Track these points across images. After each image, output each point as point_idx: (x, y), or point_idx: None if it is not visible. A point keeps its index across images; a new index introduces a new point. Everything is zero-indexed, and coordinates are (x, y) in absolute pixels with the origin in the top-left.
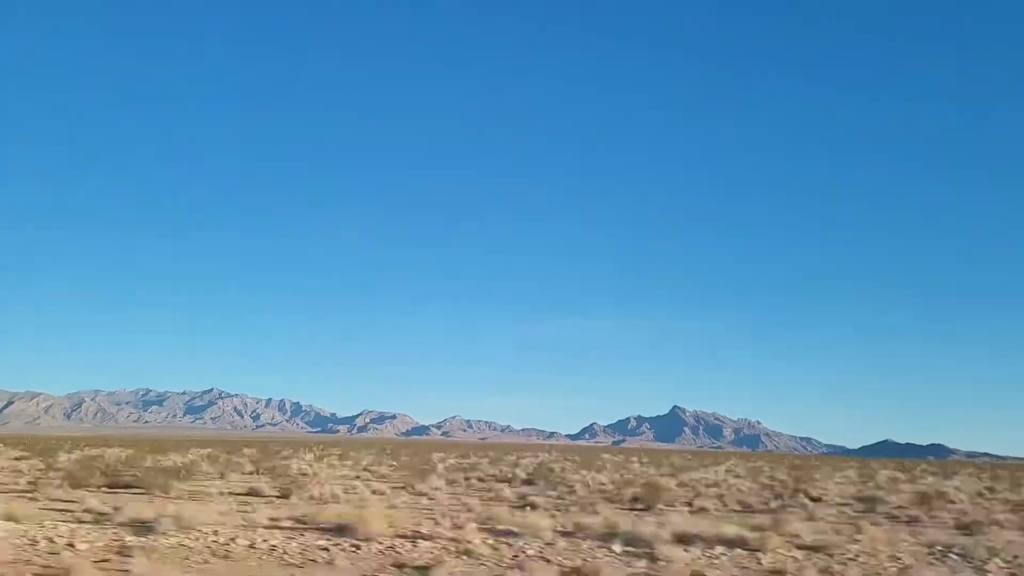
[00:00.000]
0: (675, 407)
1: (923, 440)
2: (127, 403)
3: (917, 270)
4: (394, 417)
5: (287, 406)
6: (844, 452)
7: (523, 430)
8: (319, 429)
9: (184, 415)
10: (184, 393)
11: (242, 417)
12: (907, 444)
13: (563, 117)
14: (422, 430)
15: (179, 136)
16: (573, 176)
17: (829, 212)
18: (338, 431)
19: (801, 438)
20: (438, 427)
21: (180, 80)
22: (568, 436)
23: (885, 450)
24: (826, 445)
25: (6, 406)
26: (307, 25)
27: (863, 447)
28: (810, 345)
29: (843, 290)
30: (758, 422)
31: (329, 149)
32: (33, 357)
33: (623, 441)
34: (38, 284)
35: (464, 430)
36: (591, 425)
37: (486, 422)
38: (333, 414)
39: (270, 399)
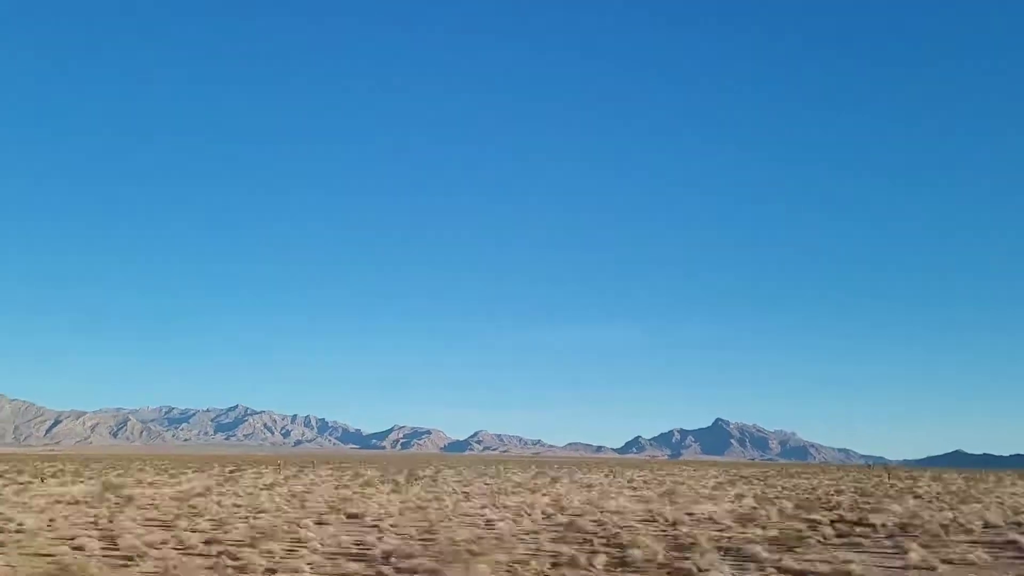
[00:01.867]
0: (718, 419)
1: (1003, 451)
2: (152, 420)
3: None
4: (429, 432)
5: (313, 422)
6: (883, 462)
7: (570, 444)
8: (358, 446)
9: (215, 432)
10: (208, 410)
11: (272, 434)
12: (983, 455)
13: (597, 114)
14: (463, 445)
15: (218, 165)
16: (597, 180)
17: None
18: (383, 447)
19: (839, 449)
20: (469, 442)
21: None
22: (615, 450)
23: (957, 460)
24: (863, 456)
25: (54, 425)
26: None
27: (928, 458)
28: (847, 355)
29: (885, 300)
30: (794, 433)
31: (351, 170)
32: (61, 375)
33: (679, 455)
34: (54, 304)
35: (495, 447)
36: (636, 439)
37: (516, 437)
38: (358, 430)
39: (295, 415)
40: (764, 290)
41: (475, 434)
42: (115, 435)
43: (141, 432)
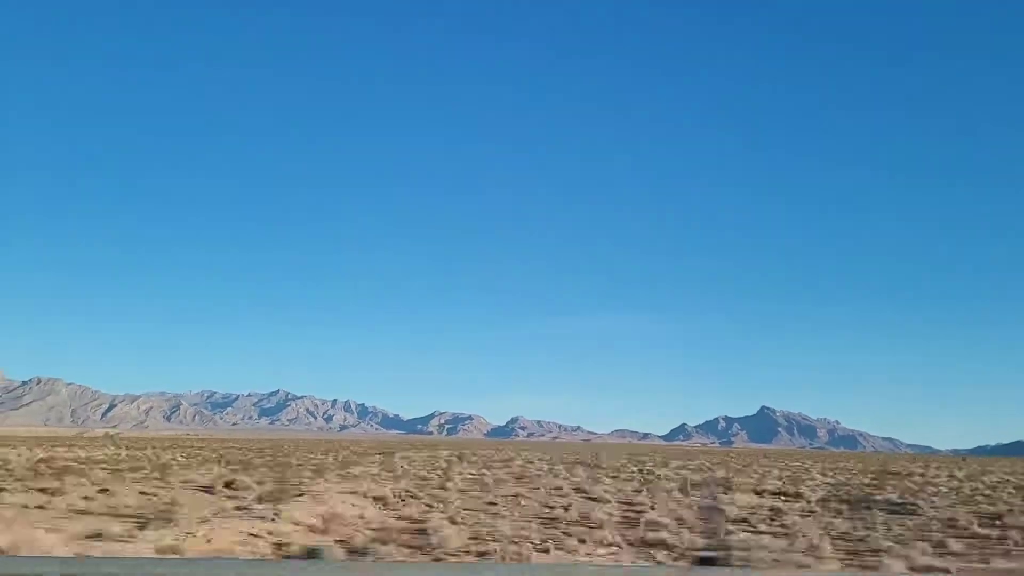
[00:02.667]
0: (764, 407)
1: None
2: (195, 404)
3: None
4: (471, 418)
5: (353, 407)
6: (931, 452)
7: (616, 431)
8: (402, 431)
9: (259, 417)
10: (250, 395)
11: (315, 419)
12: None
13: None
14: (507, 431)
15: (265, 164)
16: (635, 171)
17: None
18: (430, 432)
19: (884, 438)
20: (508, 428)
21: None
22: (661, 437)
23: (1018, 450)
24: (909, 445)
25: (109, 409)
26: None
27: (998, 446)
28: (891, 344)
29: (940, 298)
30: (837, 422)
31: (392, 163)
32: (108, 360)
33: (730, 442)
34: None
35: (536, 432)
36: (682, 426)
37: (555, 423)
38: (397, 415)
39: (335, 400)
40: (806, 281)
41: (514, 420)
42: (168, 419)
43: (193, 416)
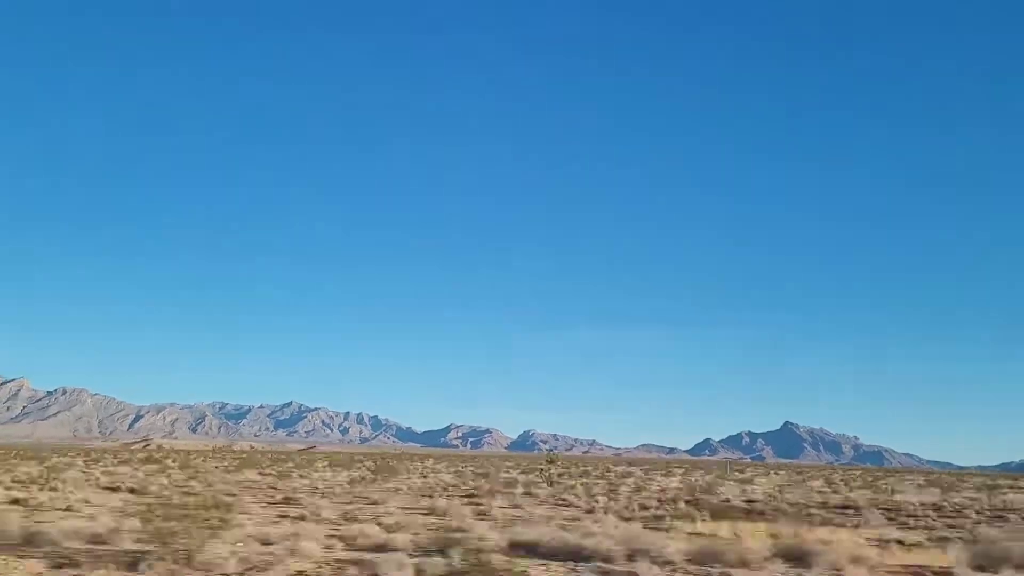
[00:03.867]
0: (787, 422)
1: None
2: (207, 415)
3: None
4: (488, 431)
5: (366, 419)
6: (951, 468)
7: (642, 445)
8: (421, 444)
9: (274, 428)
10: (263, 406)
11: (331, 430)
12: None
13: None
14: (527, 444)
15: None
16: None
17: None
18: (454, 444)
19: (904, 453)
20: (527, 441)
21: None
22: (687, 451)
23: None
24: (930, 461)
25: (135, 420)
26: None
27: (1003, 464)
28: (911, 360)
29: (959, 309)
30: (856, 437)
31: (406, 175)
32: (125, 371)
33: (761, 457)
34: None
35: (552, 446)
36: (706, 440)
37: (570, 436)
38: (409, 428)
39: (347, 412)
40: (825, 295)
41: (527, 433)
42: (193, 430)
43: (219, 428)
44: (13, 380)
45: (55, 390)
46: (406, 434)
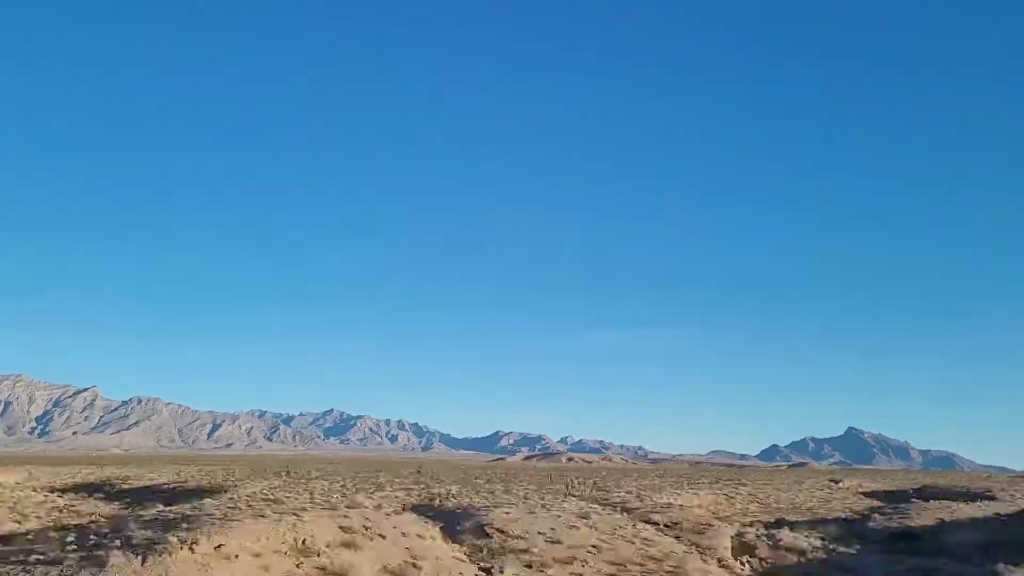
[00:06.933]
0: (851, 428)
1: None
2: (250, 425)
3: None
4: (540, 439)
5: (407, 426)
6: (1004, 471)
7: (713, 452)
8: (474, 450)
9: (325, 438)
10: (303, 414)
11: (381, 439)
12: None
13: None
14: (596, 450)
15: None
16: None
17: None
18: (519, 454)
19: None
20: (600, 448)
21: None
22: (756, 457)
23: None
24: (982, 465)
25: (213, 429)
26: None
27: None
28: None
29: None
30: (907, 442)
31: (447, 177)
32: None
33: (801, 465)
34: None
35: (602, 453)
36: (773, 446)
37: (615, 443)
38: (448, 434)
39: (388, 419)
40: (875, 305)
41: (568, 439)
42: (269, 439)
43: (294, 436)
44: (87, 390)
45: (130, 399)
46: (456, 442)
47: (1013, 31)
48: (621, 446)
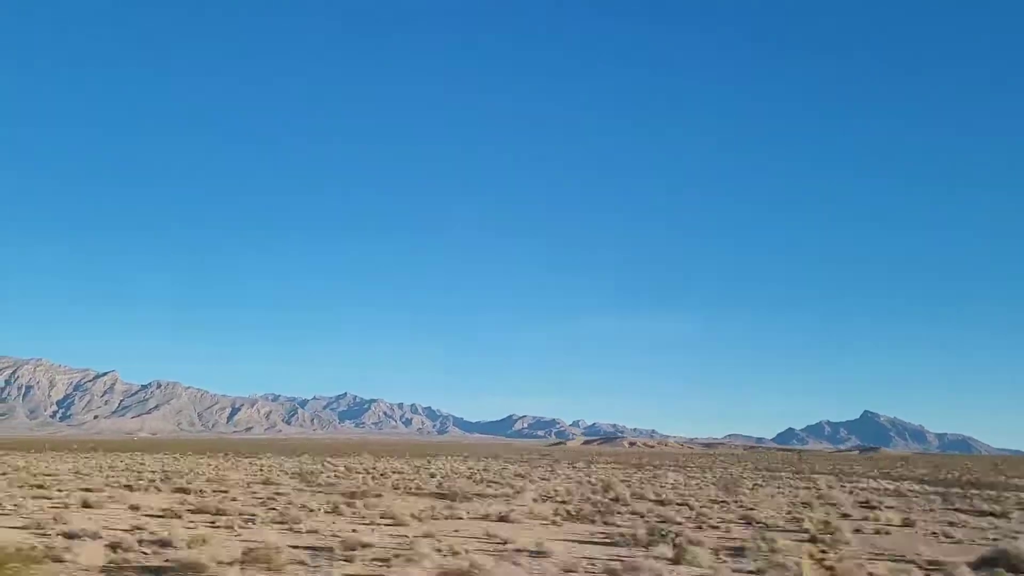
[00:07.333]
0: (867, 411)
1: None
2: (268, 409)
3: None
4: (554, 422)
5: (420, 410)
6: (1020, 454)
7: (729, 435)
8: (488, 434)
9: (341, 421)
10: (316, 398)
11: (396, 422)
12: None
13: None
14: (611, 435)
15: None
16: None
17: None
18: (540, 436)
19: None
20: (614, 432)
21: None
22: (772, 440)
23: None
24: (997, 449)
25: (233, 413)
26: None
27: None
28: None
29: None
30: (922, 426)
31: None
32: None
33: (873, 449)
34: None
35: (614, 436)
36: (789, 429)
37: (629, 427)
38: (461, 418)
39: (401, 403)
40: (893, 292)
41: (579, 423)
42: (288, 422)
43: (312, 419)
44: (107, 374)
45: (149, 383)
46: (470, 425)
47: (1013, 31)
48: (635, 429)
